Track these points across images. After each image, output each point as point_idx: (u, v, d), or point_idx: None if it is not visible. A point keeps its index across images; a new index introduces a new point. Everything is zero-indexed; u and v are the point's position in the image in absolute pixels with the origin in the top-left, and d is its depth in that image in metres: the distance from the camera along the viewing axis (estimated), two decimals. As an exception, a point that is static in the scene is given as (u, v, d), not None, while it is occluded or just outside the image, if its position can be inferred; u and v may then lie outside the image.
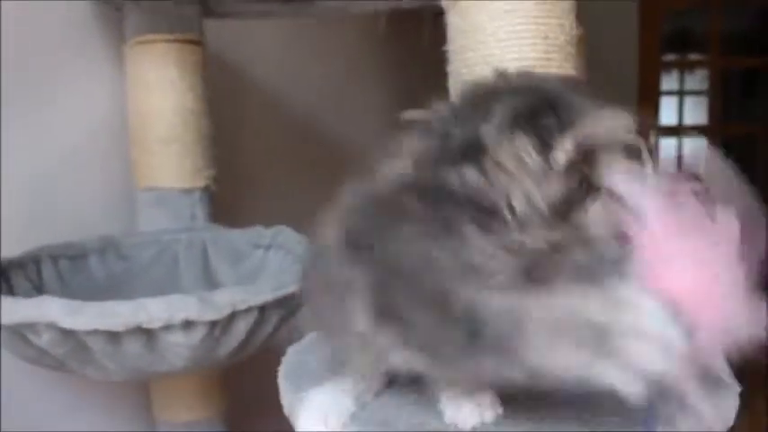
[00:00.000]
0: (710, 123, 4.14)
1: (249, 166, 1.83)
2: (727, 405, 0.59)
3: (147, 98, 1.44)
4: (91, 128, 1.55)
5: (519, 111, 0.51)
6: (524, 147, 0.49)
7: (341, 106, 2.11)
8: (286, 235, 1.33)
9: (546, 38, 0.83)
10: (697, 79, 4.37)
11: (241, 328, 0.97)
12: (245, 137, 1.83)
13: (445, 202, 0.51)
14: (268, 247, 1.35)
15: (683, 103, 4.37)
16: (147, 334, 0.93)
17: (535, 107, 0.52)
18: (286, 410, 0.70)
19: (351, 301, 0.57)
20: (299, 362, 0.79)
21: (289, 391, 0.71)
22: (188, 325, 0.92)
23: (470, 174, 0.50)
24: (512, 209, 0.48)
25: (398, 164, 0.57)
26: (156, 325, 0.91)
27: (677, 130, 4.35)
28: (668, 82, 4.27)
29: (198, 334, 0.93)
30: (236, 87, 1.80)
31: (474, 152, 0.50)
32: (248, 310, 0.95)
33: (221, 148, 1.54)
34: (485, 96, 0.56)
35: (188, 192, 1.48)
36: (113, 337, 0.92)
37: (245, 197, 1.77)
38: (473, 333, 0.48)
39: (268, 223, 1.43)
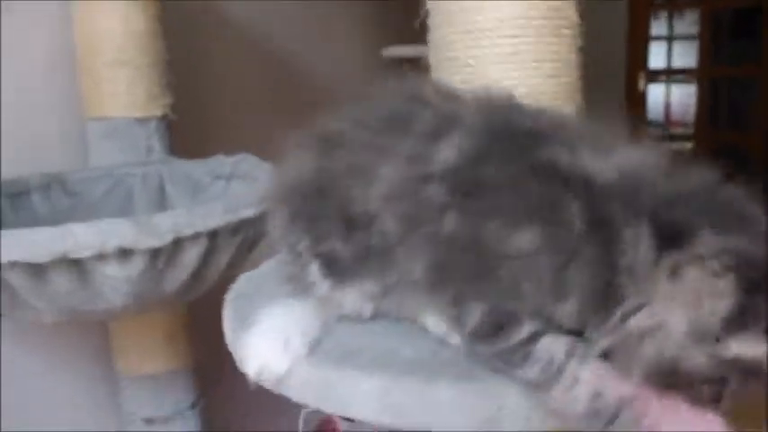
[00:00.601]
0: (700, 66, 4.04)
1: (213, 94, 1.67)
2: None
3: (95, 20, 1.29)
4: (36, 54, 1.39)
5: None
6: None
7: (309, 34, 1.96)
8: (249, 163, 1.19)
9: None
10: (686, 23, 4.25)
11: (189, 257, 0.83)
12: (208, 63, 1.67)
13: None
14: (230, 177, 1.21)
15: (671, 48, 4.26)
16: (76, 266, 0.79)
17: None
18: (229, 342, 0.56)
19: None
20: (252, 287, 0.65)
21: (234, 319, 0.58)
22: (124, 254, 0.78)
23: None
24: None
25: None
26: (85, 254, 0.77)
27: (666, 73, 4.25)
28: (658, 27, 4.16)
29: (137, 265, 0.79)
30: (197, 10, 1.64)
31: None
32: (196, 236, 0.81)
33: (183, 76, 1.39)
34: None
35: (143, 121, 1.33)
36: (37, 270, 0.78)
37: (209, 127, 1.62)
38: None
39: (233, 154, 1.30)
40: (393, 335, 0.52)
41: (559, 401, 0.44)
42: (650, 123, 4.29)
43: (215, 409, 1.35)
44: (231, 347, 0.55)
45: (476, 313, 0.46)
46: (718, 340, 0.40)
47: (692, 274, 0.41)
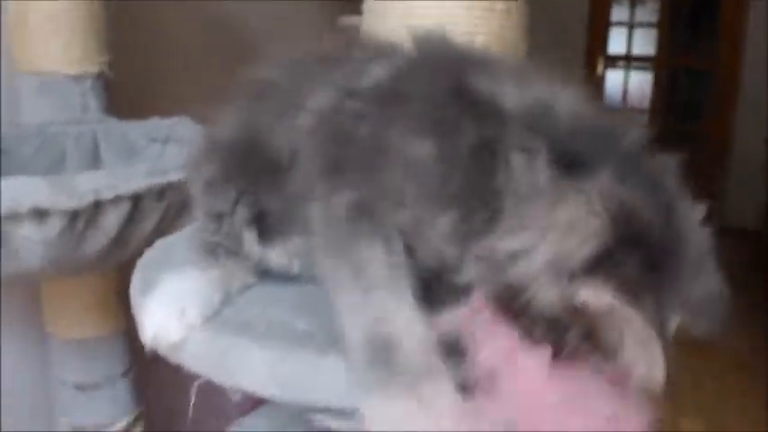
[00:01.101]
0: (657, 54, 4.10)
1: (155, 53, 1.62)
2: None
3: (28, -30, 1.24)
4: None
5: None
6: None
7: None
8: (185, 127, 1.16)
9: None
10: (648, 10, 4.29)
11: (110, 221, 0.80)
12: (151, 21, 1.61)
13: None
14: (166, 140, 1.18)
15: (632, 35, 4.30)
16: (-9, 225, 0.76)
17: None
18: (134, 307, 0.55)
19: None
20: (164, 253, 0.64)
21: (139, 285, 0.56)
22: (40, 215, 0.76)
23: None
24: None
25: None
26: (-2, 213, 0.74)
27: (626, 59, 4.29)
28: (620, 12, 4.19)
29: (53, 226, 0.77)
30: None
31: None
32: (117, 199, 0.79)
33: (122, 32, 1.34)
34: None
35: (78, 78, 1.29)
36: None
37: (150, 87, 1.57)
38: None
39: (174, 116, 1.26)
40: (296, 304, 0.51)
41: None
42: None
43: (148, 376, 1.33)
44: (135, 313, 0.54)
45: (342, 193, 0.47)
46: (571, 281, 0.39)
47: (571, 206, 0.40)
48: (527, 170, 0.42)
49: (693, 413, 2.06)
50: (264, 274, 0.57)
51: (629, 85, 4.42)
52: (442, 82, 0.48)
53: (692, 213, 0.45)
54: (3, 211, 0.73)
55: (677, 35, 4.17)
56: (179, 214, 0.92)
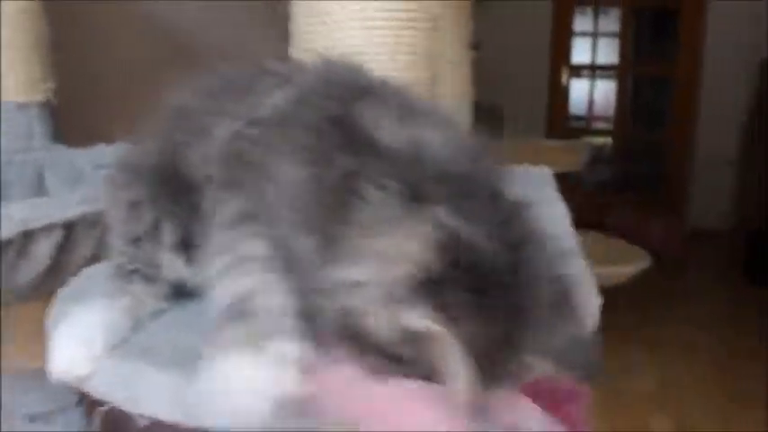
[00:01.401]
0: (620, 63, 4.16)
1: (103, 77, 1.61)
2: None
3: (-32, -2, 1.22)
4: None
5: None
6: None
7: (208, 13, 1.90)
8: (130, 152, 1.14)
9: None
10: (611, 20, 4.36)
11: (42, 250, 0.79)
12: (98, 45, 1.60)
13: None
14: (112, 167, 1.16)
15: (596, 44, 4.36)
16: None
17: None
18: (47, 339, 0.54)
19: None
20: (84, 284, 0.63)
21: (54, 316, 0.55)
22: (-32, 246, 0.74)
23: None
24: None
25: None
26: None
27: (590, 69, 4.35)
28: (584, 22, 4.25)
29: (-18, 257, 0.75)
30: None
31: None
32: (50, 227, 0.78)
33: (69, 58, 1.33)
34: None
35: (23, 106, 1.27)
36: None
37: (99, 112, 1.55)
38: None
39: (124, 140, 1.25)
40: (207, 328, 0.50)
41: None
42: (572, 118, 4.40)
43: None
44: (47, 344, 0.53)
45: (232, 204, 0.50)
46: (400, 306, 0.41)
47: (400, 235, 0.42)
48: (378, 205, 0.44)
49: (665, 414, 2.07)
50: (184, 295, 0.57)
51: (594, 94, 4.47)
52: (329, 110, 0.51)
53: (548, 260, 0.46)
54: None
55: (640, 44, 4.24)
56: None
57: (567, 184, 1.45)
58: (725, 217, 3.70)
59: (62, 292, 0.61)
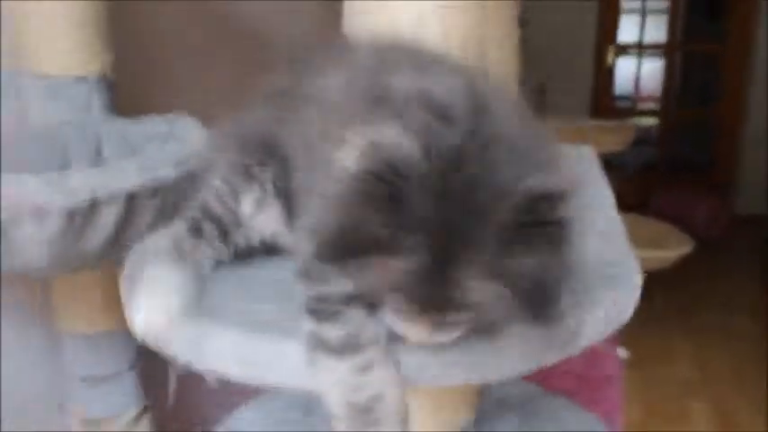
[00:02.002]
0: (668, 41, 4.07)
1: (159, 53, 1.64)
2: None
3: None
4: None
5: None
6: None
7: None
8: (185, 124, 1.18)
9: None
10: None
11: (107, 218, 0.83)
12: (154, 20, 1.64)
13: None
14: (166, 138, 1.20)
15: (644, 22, 4.27)
16: (-8, 224, 0.79)
17: None
18: (124, 299, 0.58)
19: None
20: (158, 244, 0.66)
21: (128, 279, 0.59)
22: (39, 213, 0.78)
23: None
24: None
25: None
26: (-1, 213, 0.77)
27: (637, 47, 4.26)
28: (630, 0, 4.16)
29: (52, 224, 0.79)
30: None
31: None
32: (113, 195, 0.82)
33: (125, 32, 1.37)
34: None
35: (82, 79, 1.32)
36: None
37: (154, 86, 1.59)
38: None
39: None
40: (268, 288, 0.54)
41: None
42: (618, 98, 4.32)
43: (154, 370, 1.36)
44: (125, 307, 0.57)
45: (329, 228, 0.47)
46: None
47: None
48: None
49: (703, 399, 2.06)
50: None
51: (641, 73, 4.37)
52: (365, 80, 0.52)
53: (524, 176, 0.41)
54: (2, 210, 0.76)
55: (689, 22, 4.14)
56: (175, 209, 0.95)
57: (612, 165, 1.44)
58: (770, 202, 3.61)
59: (133, 254, 0.64)
